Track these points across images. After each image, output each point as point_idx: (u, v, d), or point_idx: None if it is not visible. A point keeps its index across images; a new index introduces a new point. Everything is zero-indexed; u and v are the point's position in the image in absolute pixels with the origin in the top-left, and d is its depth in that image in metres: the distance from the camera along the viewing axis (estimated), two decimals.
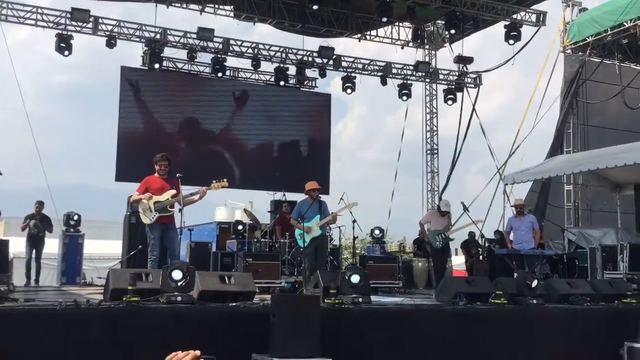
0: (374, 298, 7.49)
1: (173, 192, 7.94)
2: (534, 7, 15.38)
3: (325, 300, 6.77)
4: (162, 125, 15.22)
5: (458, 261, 16.38)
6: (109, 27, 14.20)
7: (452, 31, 15.31)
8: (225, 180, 8.04)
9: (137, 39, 14.65)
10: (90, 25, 13.86)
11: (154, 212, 7.86)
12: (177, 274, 6.14)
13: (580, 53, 16.84)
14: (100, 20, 14.05)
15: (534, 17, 15.42)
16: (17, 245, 10.41)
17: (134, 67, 15.16)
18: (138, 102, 15.20)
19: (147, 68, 15.02)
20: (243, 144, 15.98)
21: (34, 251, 11.74)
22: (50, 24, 13.70)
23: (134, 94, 15.10)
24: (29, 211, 11.94)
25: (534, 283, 7.64)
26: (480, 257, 13.43)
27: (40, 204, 12.00)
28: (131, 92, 15.06)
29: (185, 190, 8.08)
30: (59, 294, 9.06)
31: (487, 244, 13.20)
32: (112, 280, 6.35)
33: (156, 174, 8.11)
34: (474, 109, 17.57)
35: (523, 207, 11.32)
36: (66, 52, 13.70)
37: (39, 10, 13.62)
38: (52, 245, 12.47)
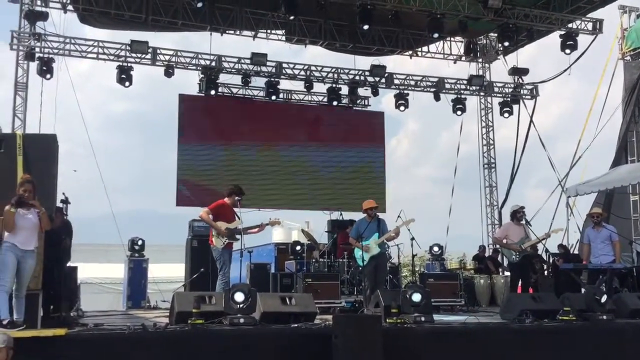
0: (436, 317, 7.40)
1: (240, 223, 8.52)
2: (589, 15, 15.00)
3: (387, 320, 6.72)
4: (218, 150, 15.50)
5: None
6: (167, 57, 14.63)
7: (506, 43, 15.05)
8: (279, 219, 9.10)
9: (194, 67, 15.04)
10: (149, 56, 14.30)
11: (225, 238, 8.42)
12: (239, 296, 6.24)
13: None
14: (158, 51, 14.50)
15: (590, 26, 15.03)
16: (85, 271, 10.71)
17: (191, 95, 15.56)
18: (196, 128, 15.54)
19: (203, 94, 15.38)
20: (299, 165, 16.08)
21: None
22: (111, 57, 14.22)
23: (192, 120, 15.47)
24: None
25: (604, 298, 7.38)
26: (545, 272, 13.03)
27: (58, 211, 8.03)
28: (189, 118, 15.43)
29: (246, 219, 8.72)
30: (126, 318, 9.29)
31: (551, 259, 12.80)
32: (177, 304, 6.49)
33: (227, 200, 8.63)
34: (531, 121, 17.22)
35: (601, 217, 10.50)
36: (127, 83, 14.19)
37: (100, 44, 14.15)
38: (117, 270, 12.79)
